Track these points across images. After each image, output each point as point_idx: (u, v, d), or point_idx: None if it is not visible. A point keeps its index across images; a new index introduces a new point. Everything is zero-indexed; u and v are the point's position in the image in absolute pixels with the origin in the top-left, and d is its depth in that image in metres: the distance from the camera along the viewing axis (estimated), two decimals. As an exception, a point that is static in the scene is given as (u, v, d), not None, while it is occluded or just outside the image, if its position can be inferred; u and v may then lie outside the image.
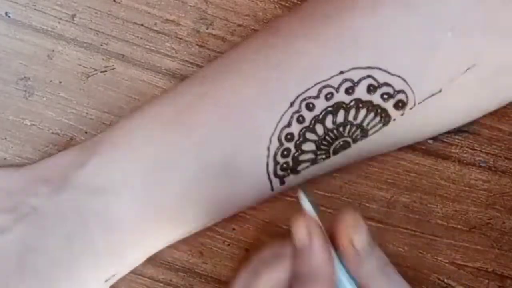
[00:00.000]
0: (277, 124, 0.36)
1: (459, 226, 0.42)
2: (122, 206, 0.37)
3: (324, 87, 0.36)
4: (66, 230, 0.36)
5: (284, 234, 0.42)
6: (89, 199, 0.37)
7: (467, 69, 0.36)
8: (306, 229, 0.31)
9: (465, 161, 0.42)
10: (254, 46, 0.38)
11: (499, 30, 0.35)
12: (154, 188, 0.37)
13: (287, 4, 0.41)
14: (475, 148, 0.42)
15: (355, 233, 0.31)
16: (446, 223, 0.42)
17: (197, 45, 0.41)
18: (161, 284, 0.41)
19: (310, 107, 0.36)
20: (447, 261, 0.42)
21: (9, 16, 0.40)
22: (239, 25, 0.41)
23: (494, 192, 0.42)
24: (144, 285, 0.41)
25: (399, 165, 0.42)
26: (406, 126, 0.38)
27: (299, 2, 0.41)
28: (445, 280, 0.42)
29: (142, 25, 0.41)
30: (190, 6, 0.41)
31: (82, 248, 0.36)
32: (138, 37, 0.41)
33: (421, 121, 0.38)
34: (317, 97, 0.36)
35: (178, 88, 0.39)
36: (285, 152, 0.37)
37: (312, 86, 0.36)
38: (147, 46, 0.41)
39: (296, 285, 0.31)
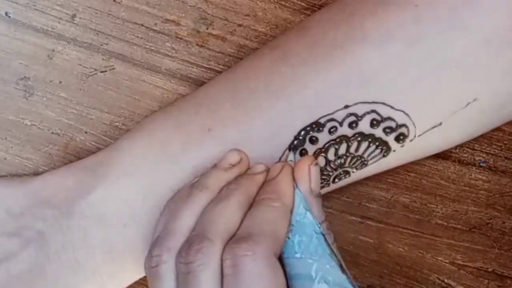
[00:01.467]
0: (280, 159, 0.36)
1: (459, 226, 0.42)
2: (127, 236, 0.37)
3: (329, 121, 0.36)
4: (72, 257, 0.37)
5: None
6: (95, 227, 0.37)
7: (467, 104, 0.36)
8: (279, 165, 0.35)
9: (465, 161, 0.42)
10: (261, 71, 0.38)
11: (501, 69, 0.36)
12: (157, 218, 0.37)
13: (287, 4, 0.41)
14: (475, 148, 0.42)
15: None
16: (446, 223, 0.42)
17: (197, 45, 0.41)
18: (161, 284, 0.41)
19: (313, 141, 0.36)
20: (447, 261, 0.42)
21: (9, 16, 0.40)
22: (239, 25, 0.41)
23: (494, 192, 0.42)
24: (144, 285, 0.41)
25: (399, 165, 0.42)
26: (404, 156, 0.38)
27: (299, 2, 0.41)
28: (445, 280, 0.42)
29: (142, 25, 0.41)
30: (190, 6, 0.41)
31: (87, 275, 0.37)
32: (138, 37, 0.41)
33: (420, 150, 0.38)
34: (321, 130, 0.36)
35: (184, 113, 0.38)
36: None
37: (317, 120, 0.36)
38: (147, 46, 0.41)
39: (259, 201, 0.34)
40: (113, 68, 0.41)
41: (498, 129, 0.42)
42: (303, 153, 0.37)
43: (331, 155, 0.37)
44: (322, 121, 0.36)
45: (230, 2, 0.41)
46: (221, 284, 0.31)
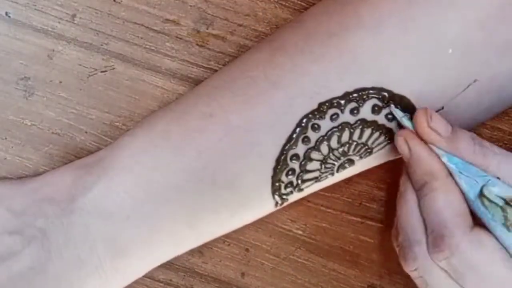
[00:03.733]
0: (283, 146, 0.36)
1: (459, 226, 0.42)
2: (130, 230, 0.37)
3: (329, 107, 0.36)
4: (75, 253, 0.37)
5: (284, 234, 0.42)
6: (97, 222, 0.37)
7: (468, 85, 0.36)
8: (405, 143, 0.36)
9: (465, 161, 0.42)
10: (260, 62, 0.38)
11: (497, 48, 0.36)
12: (162, 212, 0.37)
13: (287, 4, 0.41)
14: (476, 148, 0.42)
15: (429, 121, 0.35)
16: (446, 223, 0.42)
17: (197, 45, 0.41)
18: (161, 284, 0.41)
19: (315, 128, 0.36)
20: (448, 261, 0.42)
21: (9, 16, 0.40)
22: (239, 25, 0.41)
23: (494, 192, 0.42)
24: (144, 285, 0.41)
25: (399, 165, 0.42)
26: None
27: (299, 2, 0.41)
28: (445, 280, 0.42)
29: (142, 25, 0.41)
30: (190, 6, 0.41)
31: (90, 271, 0.37)
32: (138, 37, 0.41)
33: None
34: (323, 118, 0.36)
35: (185, 104, 0.39)
36: (290, 172, 0.37)
37: (317, 107, 0.36)
38: (147, 46, 0.41)
39: (419, 192, 0.36)
40: (113, 68, 0.41)
41: (498, 129, 0.42)
42: (305, 140, 0.37)
43: (334, 142, 0.37)
44: (323, 108, 0.36)
45: (230, 2, 0.41)
46: None
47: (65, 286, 0.37)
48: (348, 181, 0.41)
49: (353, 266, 0.42)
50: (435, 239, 0.34)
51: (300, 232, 0.42)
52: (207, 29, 0.41)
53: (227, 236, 0.41)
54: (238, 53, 0.41)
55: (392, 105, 0.36)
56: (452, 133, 0.35)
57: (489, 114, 0.40)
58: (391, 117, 0.36)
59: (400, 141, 0.36)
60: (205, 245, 0.40)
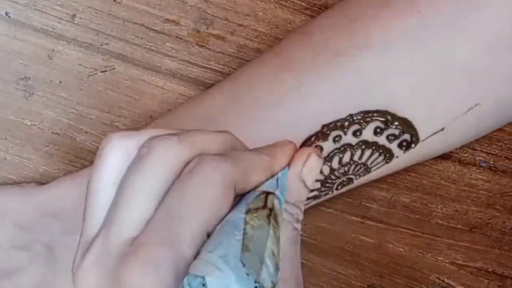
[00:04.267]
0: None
1: (459, 226, 0.42)
2: None
3: (333, 130, 0.36)
4: None
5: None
6: None
7: (470, 109, 0.36)
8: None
9: (465, 161, 0.42)
10: (264, 80, 0.37)
11: (502, 74, 0.36)
12: None
13: (287, 4, 0.41)
14: (476, 148, 0.42)
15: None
16: (446, 223, 0.42)
17: (197, 45, 0.41)
18: (161, 284, 0.41)
19: None
20: (448, 261, 0.42)
21: (9, 16, 0.40)
22: (239, 25, 0.41)
23: (494, 192, 0.42)
24: None
25: (399, 165, 0.42)
26: (406, 161, 0.38)
27: (299, 2, 0.41)
28: (446, 280, 0.42)
29: (142, 25, 0.41)
30: (190, 6, 0.41)
31: None
32: (138, 37, 0.41)
33: (422, 155, 0.38)
34: (326, 139, 0.36)
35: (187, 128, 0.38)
36: None
37: (321, 129, 0.36)
38: (147, 46, 0.41)
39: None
40: (113, 68, 0.41)
41: (498, 129, 0.42)
42: None
43: (335, 163, 0.37)
44: (326, 130, 0.36)
45: (230, 2, 0.41)
46: (172, 180, 0.29)
47: None
48: (348, 181, 0.41)
49: (353, 266, 0.42)
50: None
51: (300, 232, 0.42)
52: (207, 29, 0.41)
53: (227, 236, 0.41)
54: (238, 53, 0.41)
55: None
56: None
57: (488, 132, 0.40)
58: (393, 138, 0.37)
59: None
60: (205, 245, 0.40)
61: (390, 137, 0.36)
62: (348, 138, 0.36)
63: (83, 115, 0.41)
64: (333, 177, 0.37)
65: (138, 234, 0.28)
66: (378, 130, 0.36)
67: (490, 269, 0.42)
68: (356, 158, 0.37)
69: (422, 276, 0.42)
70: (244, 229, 0.29)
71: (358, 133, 0.36)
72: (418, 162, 0.40)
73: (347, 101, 0.36)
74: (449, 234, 0.42)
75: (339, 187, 0.38)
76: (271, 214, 0.30)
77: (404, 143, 0.37)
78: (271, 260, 0.28)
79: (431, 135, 0.37)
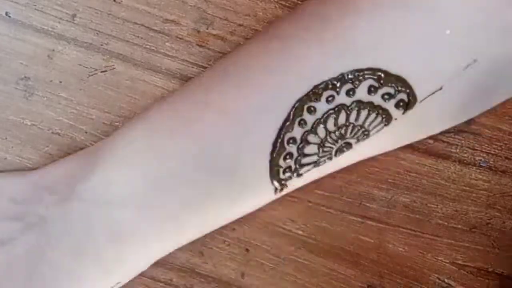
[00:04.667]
0: (279, 129, 0.36)
1: (459, 226, 0.42)
2: (129, 218, 0.37)
3: (325, 89, 0.36)
4: (74, 240, 0.37)
5: (284, 234, 0.42)
6: (96, 210, 0.37)
7: (467, 66, 0.36)
8: None
9: (465, 161, 0.42)
10: (253, 50, 0.38)
11: (498, 30, 0.36)
12: (159, 199, 0.37)
13: (287, 4, 0.41)
14: (476, 148, 0.42)
15: None
16: (446, 223, 0.42)
17: (197, 45, 0.41)
18: (162, 284, 0.41)
19: (311, 111, 0.36)
20: (448, 261, 0.42)
21: (9, 16, 0.40)
22: (240, 25, 0.41)
23: (494, 192, 0.42)
24: (144, 285, 0.41)
25: (399, 165, 0.42)
26: (407, 124, 0.38)
27: (299, 2, 0.41)
28: (446, 280, 0.42)
29: (142, 25, 0.41)
30: (190, 6, 0.41)
31: (91, 258, 0.37)
32: (138, 37, 0.41)
33: (422, 118, 0.38)
34: (318, 100, 0.36)
35: (180, 95, 0.39)
36: (288, 156, 0.37)
37: (313, 89, 0.36)
38: (147, 46, 0.41)
39: None
40: (113, 68, 0.41)
41: (498, 129, 0.42)
42: (301, 123, 0.36)
43: (330, 125, 0.37)
44: (318, 90, 0.36)
45: (230, 2, 0.41)
46: None
47: (63, 274, 0.36)
48: (348, 181, 0.41)
49: (353, 266, 0.42)
50: None
51: (300, 232, 0.42)
52: (207, 29, 0.41)
53: (227, 236, 0.41)
54: (238, 53, 0.41)
55: None
56: None
57: (487, 101, 0.40)
58: (388, 97, 0.36)
59: None
60: (205, 245, 0.40)
61: (385, 96, 0.36)
62: (342, 98, 0.36)
63: (83, 115, 0.41)
64: (330, 140, 0.37)
65: None
66: (372, 88, 0.36)
67: (490, 269, 0.42)
68: (352, 119, 0.37)
69: (422, 276, 0.42)
70: None
71: (351, 93, 0.36)
72: (422, 134, 0.40)
73: (337, 63, 0.36)
74: (449, 234, 0.42)
75: (338, 153, 0.38)
76: None
77: (401, 103, 0.36)
78: None
79: (429, 95, 0.36)
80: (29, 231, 0.37)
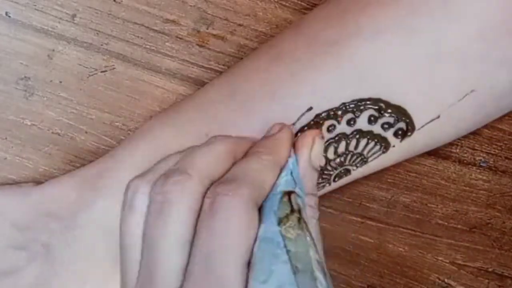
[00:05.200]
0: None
1: (459, 226, 0.42)
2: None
3: (326, 119, 0.36)
4: (79, 269, 0.36)
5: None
6: (100, 239, 0.36)
7: (465, 95, 0.36)
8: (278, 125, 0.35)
9: (465, 161, 0.42)
10: (257, 72, 0.37)
11: (496, 60, 0.36)
12: None
13: (287, 4, 0.41)
14: (476, 148, 0.42)
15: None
16: (446, 223, 0.42)
17: (197, 45, 0.41)
18: (161, 284, 0.41)
19: None
20: (448, 261, 0.42)
21: (9, 16, 0.40)
22: (240, 25, 0.41)
23: (494, 192, 0.42)
24: None
25: (399, 165, 0.42)
26: (404, 150, 0.38)
27: (299, 2, 0.41)
28: (446, 280, 0.42)
29: (142, 25, 0.41)
30: (190, 6, 0.41)
31: (96, 285, 0.36)
32: (138, 37, 0.41)
33: (419, 144, 0.38)
34: (319, 129, 0.36)
35: (183, 120, 0.38)
36: None
37: (314, 119, 0.36)
38: (147, 46, 0.41)
39: (250, 153, 0.34)
40: (113, 68, 0.41)
41: (498, 129, 0.42)
42: None
43: (330, 154, 0.37)
44: (320, 119, 0.36)
45: (231, 2, 0.41)
46: (195, 220, 0.31)
47: None
48: (348, 181, 0.41)
49: (353, 266, 0.42)
50: None
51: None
52: (207, 29, 0.41)
53: (227, 236, 0.41)
54: (238, 53, 0.41)
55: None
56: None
57: (486, 122, 0.40)
58: (387, 126, 0.36)
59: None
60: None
61: (385, 126, 0.36)
62: (343, 128, 0.36)
63: (83, 115, 0.41)
64: (329, 168, 0.37)
65: (181, 284, 0.30)
66: (372, 118, 0.36)
67: (490, 269, 0.42)
68: (351, 148, 0.37)
69: (422, 276, 0.42)
70: (285, 245, 0.29)
71: (352, 122, 0.36)
72: (417, 153, 0.40)
73: (340, 90, 0.36)
74: (449, 234, 0.42)
75: (337, 178, 0.38)
76: (301, 217, 0.30)
77: (400, 132, 0.37)
78: (319, 270, 0.29)
79: (427, 123, 0.37)
80: (34, 260, 0.36)
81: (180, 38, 0.41)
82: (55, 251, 0.36)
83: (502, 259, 0.42)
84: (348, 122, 0.36)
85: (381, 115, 0.36)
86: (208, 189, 0.32)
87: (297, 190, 0.32)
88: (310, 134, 0.35)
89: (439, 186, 0.42)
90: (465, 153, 0.42)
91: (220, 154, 0.33)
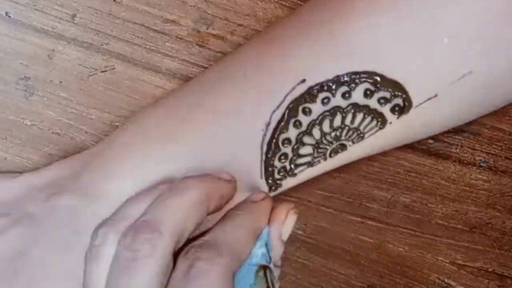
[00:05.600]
0: (274, 130, 0.36)
1: (459, 226, 0.42)
2: None
3: (320, 91, 0.36)
4: (62, 237, 0.36)
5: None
6: (85, 205, 0.36)
7: (463, 76, 0.36)
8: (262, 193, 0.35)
9: (465, 161, 0.42)
10: (250, 53, 0.38)
11: (495, 43, 0.36)
12: None
13: (287, 4, 0.41)
14: (476, 148, 0.42)
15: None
16: (446, 223, 0.42)
17: (197, 45, 0.41)
18: (161, 284, 0.41)
19: (306, 112, 0.36)
20: (448, 261, 0.42)
21: (9, 16, 0.40)
22: (240, 25, 0.41)
23: (494, 192, 0.42)
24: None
25: (399, 165, 0.42)
26: (401, 129, 0.38)
27: (299, 2, 0.41)
28: (446, 280, 0.42)
29: (142, 25, 0.41)
30: (190, 6, 0.41)
31: (78, 256, 0.36)
32: (138, 37, 0.41)
33: (416, 124, 0.38)
34: (314, 101, 0.36)
35: (174, 97, 0.39)
36: (282, 157, 0.37)
37: (308, 91, 0.36)
38: (147, 46, 0.41)
39: (232, 213, 0.34)
40: (113, 68, 0.41)
41: (498, 129, 0.42)
42: (296, 124, 0.36)
43: (326, 127, 0.37)
44: (314, 91, 0.36)
45: (231, 2, 0.41)
46: (165, 280, 0.31)
47: (50, 270, 0.36)
48: (348, 181, 0.41)
49: (353, 266, 0.42)
50: None
51: (300, 232, 0.42)
52: (207, 29, 0.41)
53: (227, 236, 0.41)
54: (238, 53, 0.41)
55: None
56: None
57: (483, 110, 0.40)
58: (384, 101, 0.36)
59: None
60: (205, 245, 0.40)
61: (381, 101, 0.36)
62: (338, 100, 0.36)
63: (83, 115, 0.41)
64: (325, 141, 0.37)
65: None
66: (368, 92, 0.36)
67: (490, 269, 0.42)
68: (347, 122, 0.37)
69: (422, 276, 0.42)
70: None
71: (347, 95, 0.36)
72: (414, 137, 0.40)
73: (333, 64, 0.36)
74: (449, 234, 0.42)
75: (333, 154, 0.38)
76: None
77: (397, 108, 0.36)
78: None
79: (424, 101, 0.37)
80: (16, 226, 0.36)
81: (180, 38, 0.41)
82: (39, 219, 0.36)
83: (502, 259, 0.42)
84: (343, 95, 0.36)
85: (377, 89, 0.36)
86: (178, 244, 0.32)
87: (271, 265, 0.33)
88: (285, 207, 0.35)
89: (439, 186, 0.42)
90: (465, 153, 0.42)
91: (193, 205, 0.33)
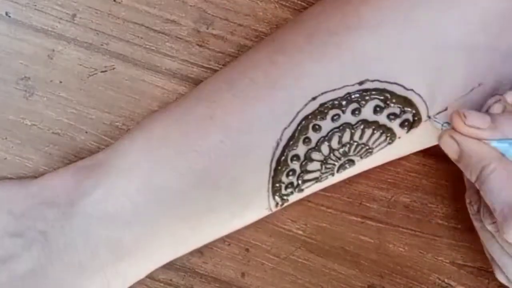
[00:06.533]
0: (284, 147, 0.36)
1: (459, 226, 0.42)
2: (132, 235, 0.37)
3: (331, 108, 0.36)
4: (76, 257, 0.36)
5: (284, 234, 0.42)
6: (98, 226, 0.36)
7: (472, 89, 0.36)
8: (452, 140, 0.35)
9: (465, 161, 0.42)
10: (259, 63, 0.38)
11: (502, 51, 0.36)
12: (162, 215, 0.37)
13: (287, 4, 0.41)
14: (476, 148, 0.42)
15: None
16: (446, 223, 0.42)
17: (197, 45, 0.41)
18: (161, 284, 0.42)
19: (316, 129, 0.36)
20: (448, 261, 0.42)
21: (9, 16, 0.40)
22: (240, 25, 0.41)
23: (494, 192, 0.42)
24: (144, 285, 0.41)
25: (399, 165, 0.42)
26: (409, 142, 0.38)
27: (299, 2, 0.41)
28: (446, 280, 0.42)
29: (142, 25, 0.41)
30: (190, 6, 0.41)
31: (92, 275, 0.36)
32: (138, 37, 0.41)
33: (425, 136, 0.38)
34: (324, 118, 0.36)
35: (183, 107, 0.38)
36: (291, 173, 0.37)
37: (319, 108, 0.36)
38: (148, 46, 0.41)
39: (479, 181, 0.35)
40: (113, 68, 0.41)
41: (498, 129, 0.42)
42: (306, 141, 0.36)
43: (335, 143, 0.37)
44: (324, 108, 0.36)
45: (231, 2, 0.41)
46: None
47: None
48: (348, 181, 0.41)
49: (353, 266, 0.42)
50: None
51: (300, 232, 0.42)
52: (207, 29, 0.41)
53: (227, 236, 0.41)
54: (238, 53, 0.41)
55: (431, 116, 0.36)
56: (492, 121, 0.34)
57: None
58: (393, 117, 0.36)
59: (446, 138, 0.35)
60: (205, 245, 0.40)
61: (390, 116, 0.36)
62: (347, 117, 0.36)
63: (83, 115, 0.41)
64: (333, 157, 0.37)
65: None
66: (378, 108, 0.36)
67: (490, 269, 0.42)
68: (356, 138, 0.37)
69: (422, 276, 0.42)
70: None
71: (357, 112, 0.36)
72: (423, 146, 0.40)
73: (343, 79, 0.36)
74: (449, 234, 0.42)
75: (341, 169, 0.38)
76: None
77: (406, 123, 0.37)
78: None
79: (434, 115, 0.36)
80: (30, 248, 0.36)
81: (180, 38, 0.41)
82: (52, 239, 0.36)
83: (502, 259, 0.42)
84: (353, 112, 0.36)
85: (387, 106, 0.36)
86: None
87: None
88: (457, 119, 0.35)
89: (439, 186, 0.42)
90: (465, 153, 0.42)
91: None
